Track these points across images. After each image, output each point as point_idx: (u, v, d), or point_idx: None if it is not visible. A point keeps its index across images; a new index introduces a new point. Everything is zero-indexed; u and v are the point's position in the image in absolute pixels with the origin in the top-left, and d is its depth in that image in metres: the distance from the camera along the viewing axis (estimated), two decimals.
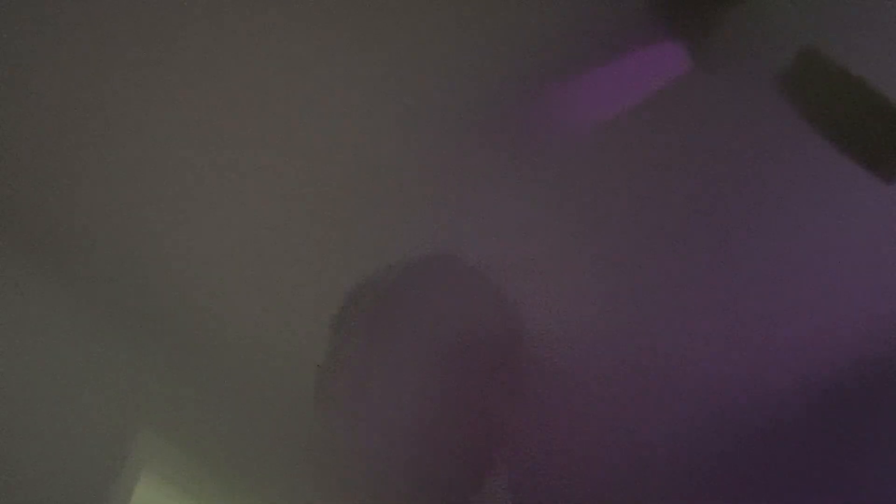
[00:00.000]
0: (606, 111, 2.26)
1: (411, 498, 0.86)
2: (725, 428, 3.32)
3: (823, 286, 2.86)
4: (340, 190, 2.70)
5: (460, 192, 2.68)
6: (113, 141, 2.61)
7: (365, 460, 0.89)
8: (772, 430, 3.30)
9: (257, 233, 2.84)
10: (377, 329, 0.97)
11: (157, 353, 3.20)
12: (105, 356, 3.06)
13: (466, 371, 0.94)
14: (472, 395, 0.93)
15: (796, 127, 2.49)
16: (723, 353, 3.08)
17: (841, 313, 2.93)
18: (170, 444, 3.13)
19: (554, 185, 2.67)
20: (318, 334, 3.11)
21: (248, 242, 2.86)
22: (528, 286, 2.90)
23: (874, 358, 3.04)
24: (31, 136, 2.60)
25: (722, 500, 3.55)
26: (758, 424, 3.29)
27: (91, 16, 2.32)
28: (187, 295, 3.02)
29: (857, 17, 2.25)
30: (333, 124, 2.55)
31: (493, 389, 0.95)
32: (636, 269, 2.86)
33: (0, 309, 2.83)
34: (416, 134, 2.56)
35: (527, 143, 2.52)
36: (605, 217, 2.74)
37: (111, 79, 2.45)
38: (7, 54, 2.41)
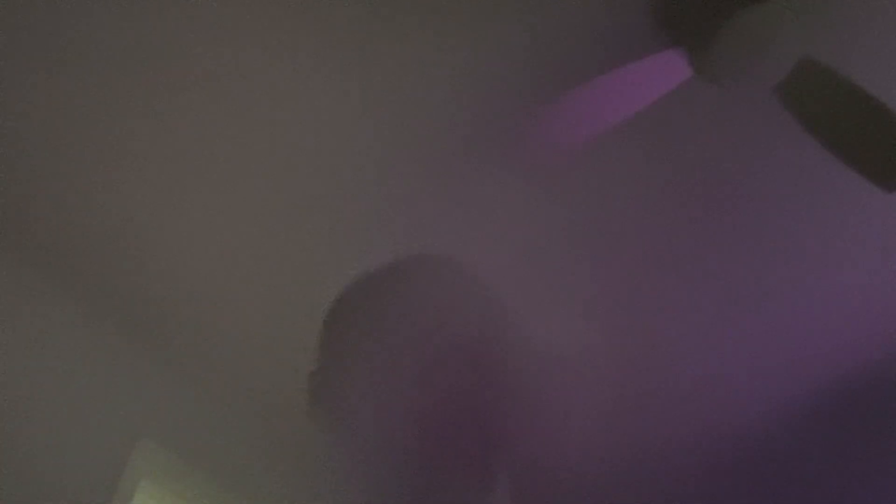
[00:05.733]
0: (607, 120, 2.27)
1: (414, 490, 0.85)
2: (725, 434, 3.31)
3: (824, 295, 2.86)
4: (338, 197, 2.71)
5: (458, 198, 2.69)
6: (118, 149, 2.61)
7: (363, 465, 0.88)
8: (772, 439, 3.30)
9: (258, 243, 2.84)
10: (369, 332, 0.95)
11: (156, 361, 3.20)
12: (104, 364, 3.05)
13: (459, 372, 0.93)
14: (467, 397, 0.92)
15: (796, 136, 2.49)
16: (723, 357, 3.08)
17: (842, 321, 2.93)
18: (168, 452, 3.13)
19: (552, 194, 2.67)
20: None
21: (249, 253, 2.86)
22: (527, 293, 2.89)
23: (875, 364, 3.03)
24: (33, 140, 2.61)
25: None
26: (757, 431, 3.28)
27: (93, 23, 2.32)
28: (188, 303, 3.02)
29: (857, 26, 2.26)
30: (331, 131, 2.55)
31: (488, 390, 0.93)
32: (635, 276, 2.86)
33: (1, 315, 2.83)
34: (415, 141, 2.56)
35: (526, 152, 2.52)
36: (603, 225, 2.74)
37: (111, 84, 2.46)
38: (10, 58, 2.42)
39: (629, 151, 2.55)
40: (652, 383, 3.16)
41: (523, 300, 3.02)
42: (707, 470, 3.44)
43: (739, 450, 3.36)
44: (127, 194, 2.72)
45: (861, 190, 2.60)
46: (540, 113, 2.24)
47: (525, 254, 2.80)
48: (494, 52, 2.34)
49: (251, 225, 2.79)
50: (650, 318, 2.97)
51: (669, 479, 3.48)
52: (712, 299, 2.90)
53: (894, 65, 2.32)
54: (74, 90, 2.47)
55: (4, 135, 2.59)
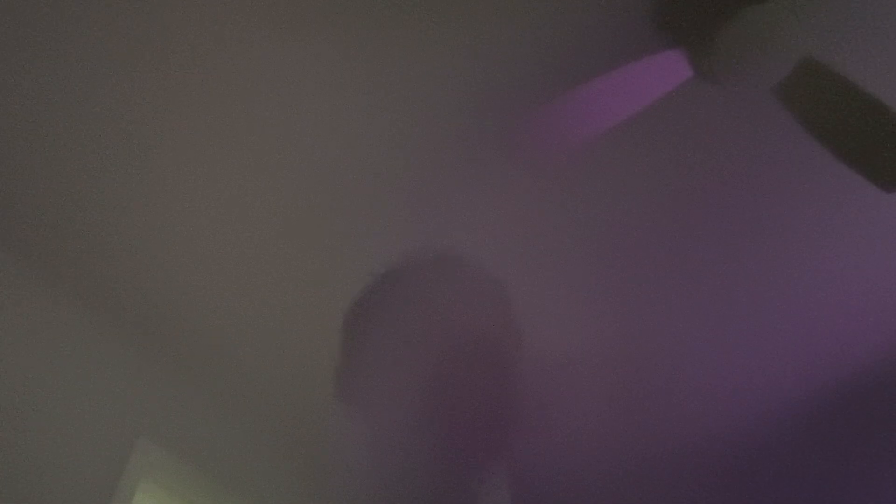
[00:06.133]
0: (607, 120, 2.27)
1: (416, 488, 0.86)
2: (725, 435, 3.31)
3: (824, 295, 2.86)
4: (340, 199, 2.71)
5: (458, 198, 2.69)
6: (120, 149, 2.61)
7: (375, 451, 0.90)
8: (771, 440, 3.30)
9: (259, 243, 2.84)
10: (384, 325, 0.99)
11: (156, 361, 3.20)
12: (105, 364, 3.05)
13: (468, 364, 0.95)
14: (474, 388, 0.94)
15: (797, 136, 2.50)
16: (724, 357, 3.08)
17: (842, 321, 2.93)
18: (168, 452, 3.13)
19: (552, 194, 2.67)
20: (317, 343, 3.11)
21: (250, 253, 2.86)
22: (527, 293, 2.90)
23: (875, 364, 3.03)
24: (35, 139, 2.61)
25: None
26: (758, 431, 3.28)
27: (90, 23, 2.32)
28: (188, 303, 3.02)
29: (857, 27, 2.26)
30: (334, 133, 2.55)
31: (494, 381, 0.95)
32: (635, 276, 2.86)
33: (1, 314, 2.83)
34: (417, 142, 2.56)
35: (526, 152, 2.52)
36: (603, 225, 2.74)
37: (111, 85, 2.46)
38: (11, 57, 2.42)
39: (629, 151, 2.55)
40: (652, 383, 3.16)
41: (524, 300, 3.04)
42: (708, 470, 3.44)
43: (740, 450, 3.36)
44: (128, 194, 2.73)
45: (861, 190, 2.60)
46: (540, 113, 2.24)
47: (525, 253, 2.80)
48: (495, 53, 2.34)
49: (252, 225, 2.79)
50: (650, 318, 2.97)
51: (670, 479, 3.48)
52: (712, 299, 2.90)
53: (894, 65, 2.32)
54: (77, 89, 2.47)
55: (5, 134, 2.59)
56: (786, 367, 3.08)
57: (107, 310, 3.06)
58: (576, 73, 2.36)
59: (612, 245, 2.79)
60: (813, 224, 2.68)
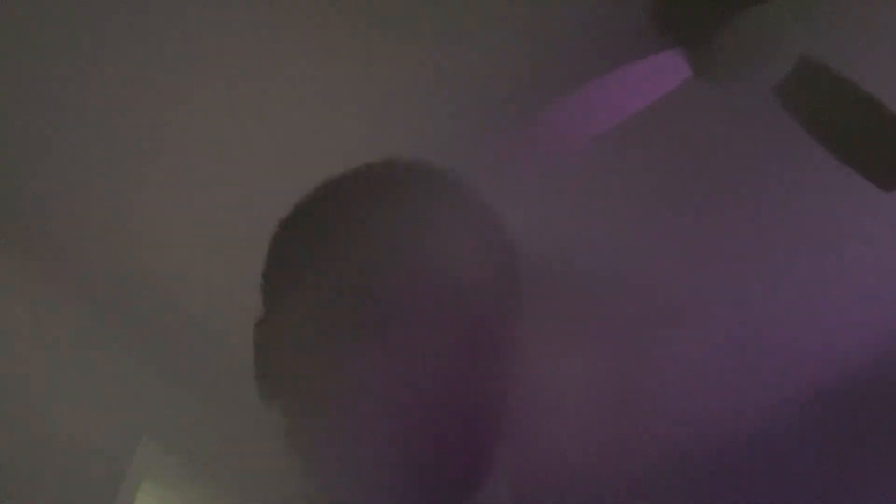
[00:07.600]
0: (607, 119, 2.27)
1: (410, 491, 0.65)
2: (725, 433, 3.31)
3: (823, 294, 2.86)
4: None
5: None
6: (120, 147, 2.62)
7: (359, 453, 0.67)
8: (770, 435, 3.30)
9: (261, 243, 2.84)
10: (328, 274, 0.70)
11: (158, 360, 3.20)
12: (106, 363, 3.06)
13: (454, 332, 0.68)
14: (460, 373, 0.68)
15: (797, 136, 2.50)
16: (723, 357, 3.08)
17: (841, 320, 2.93)
18: (170, 452, 3.13)
19: (551, 194, 2.67)
20: None
21: (252, 252, 2.86)
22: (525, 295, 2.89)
23: (875, 363, 3.03)
24: (37, 136, 2.61)
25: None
26: (757, 430, 3.29)
27: (92, 19, 2.33)
28: (190, 302, 3.03)
29: (857, 26, 2.26)
30: (334, 132, 2.56)
31: (487, 362, 0.69)
32: (633, 276, 2.87)
33: (1, 314, 2.83)
34: (415, 141, 2.56)
35: (525, 152, 2.52)
36: (601, 227, 2.74)
37: (109, 80, 2.46)
38: (21, 57, 2.42)
39: (629, 152, 2.55)
40: (652, 382, 3.16)
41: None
42: (707, 470, 3.44)
43: (740, 449, 3.36)
44: (129, 192, 2.73)
45: (861, 190, 2.60)
46: (540, 113, 2.24)
47: (523, 254, 2.81)
48: (495, 52, 2.35)
49: (254, 224, 2.79)
50: (649, 319, 2.97)
51: (668, 480, 3.48)
52: (711, 298, 2.90)
53: (894, 65, 2.33)
54: (76, 88, 2.48)
55: (7, 134, 2.60)
56: (785, 366, 3.08)
57: (108, 309, 3.07)
58: (576, 73, 2.36)
59: (609, 245, 2.79)
60: (812, 224, 2.68)
